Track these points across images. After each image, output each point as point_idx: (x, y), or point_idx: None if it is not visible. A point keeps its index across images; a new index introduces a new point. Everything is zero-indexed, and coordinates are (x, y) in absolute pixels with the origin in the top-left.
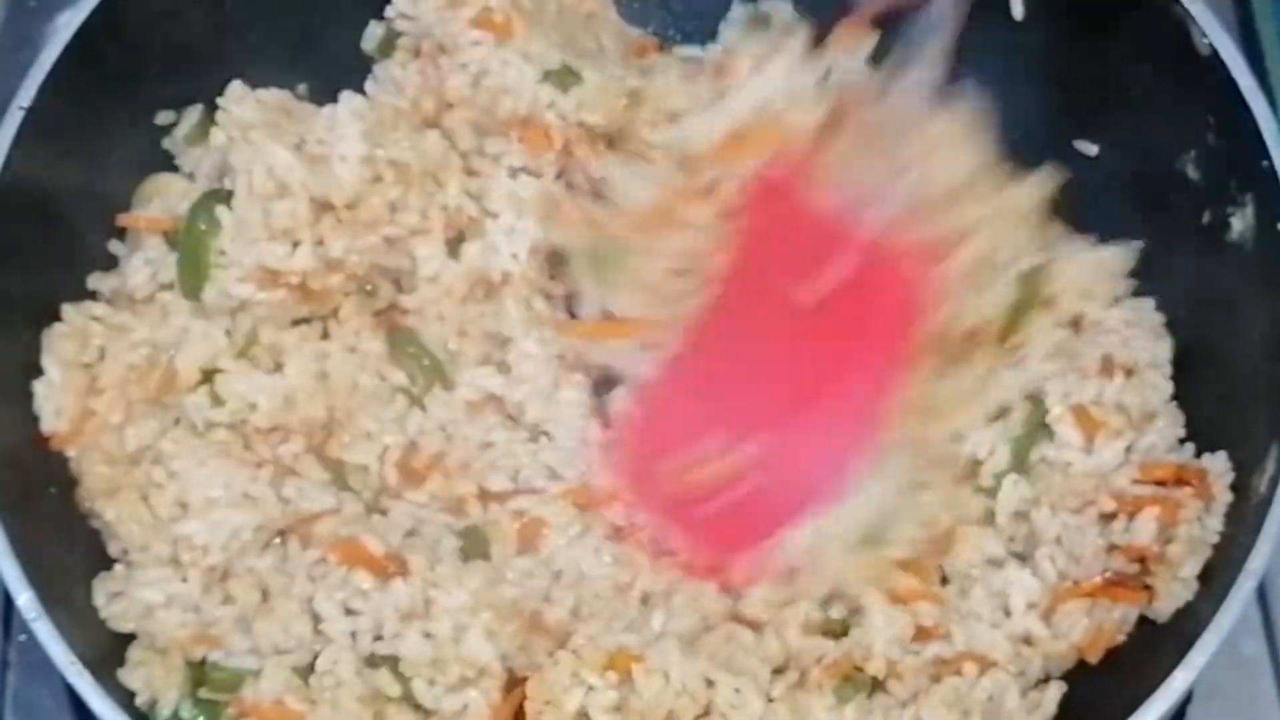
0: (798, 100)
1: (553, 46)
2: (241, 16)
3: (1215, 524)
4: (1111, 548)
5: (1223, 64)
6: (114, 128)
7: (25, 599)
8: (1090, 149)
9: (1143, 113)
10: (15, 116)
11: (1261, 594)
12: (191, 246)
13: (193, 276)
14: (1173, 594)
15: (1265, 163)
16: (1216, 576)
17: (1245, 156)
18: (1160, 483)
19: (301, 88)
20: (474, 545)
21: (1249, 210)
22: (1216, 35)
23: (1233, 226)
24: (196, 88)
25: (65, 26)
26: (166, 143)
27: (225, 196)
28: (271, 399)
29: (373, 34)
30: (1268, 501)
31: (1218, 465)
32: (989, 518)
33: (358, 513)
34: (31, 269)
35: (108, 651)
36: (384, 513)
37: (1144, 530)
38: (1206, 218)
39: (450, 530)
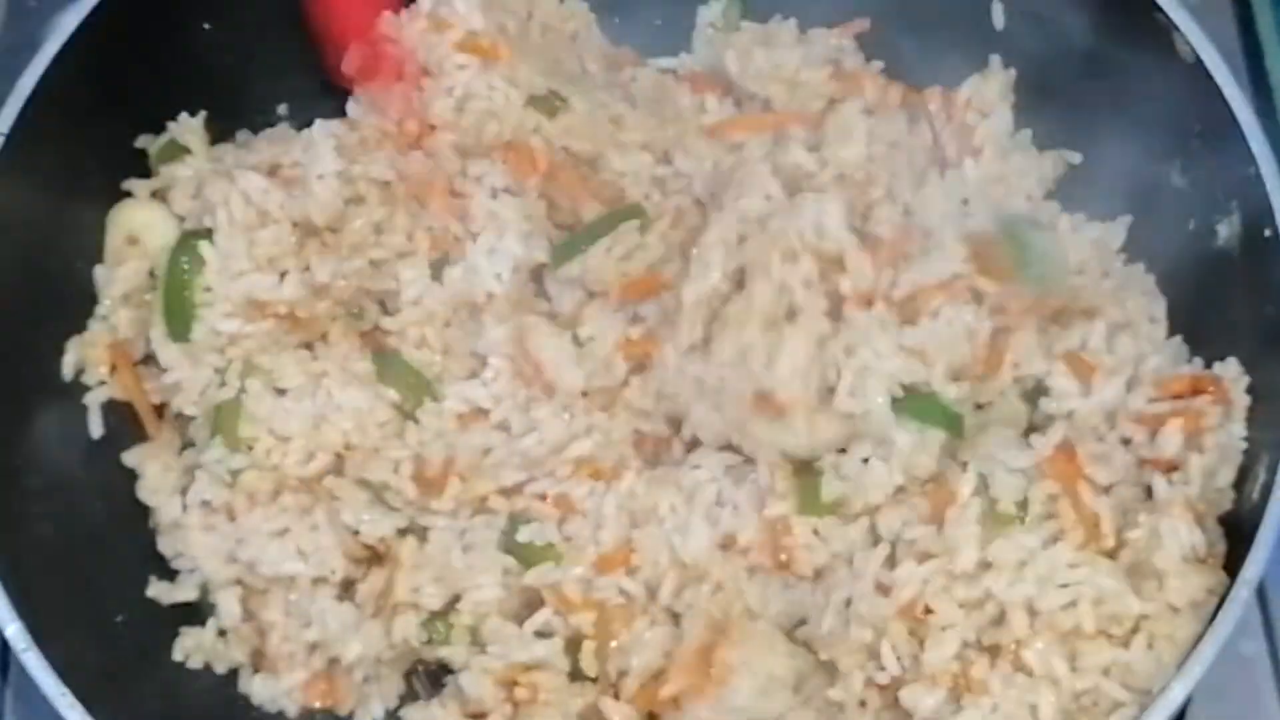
0: None
1: (538, 71)
2: (222, 38)
3: (1239, 429)
4: (1141, 462)
5: (1206, 71)
6: (93, 152)
7: (13, 630)
8: (1075, 157)
9: (1127, 121)
10: None
11: (1261, 594)
12: (175, 288)
13: (179, 319)
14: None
15: (1251, 169)
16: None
17: (1231, 163)
18: (1177, 396)
19: (282, 108)
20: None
21: (1235, 217)
22: (1200, 43)
23: (1219, 233)
24: (174, 109)
25: (62, 28)
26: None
27: (205, 234)
28: (302, 423)
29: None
30: (1261, 508)
31: (1230, 371)
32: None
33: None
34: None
35: (100, 682)
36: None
37: (1170, 443)
38: (1192, 225)
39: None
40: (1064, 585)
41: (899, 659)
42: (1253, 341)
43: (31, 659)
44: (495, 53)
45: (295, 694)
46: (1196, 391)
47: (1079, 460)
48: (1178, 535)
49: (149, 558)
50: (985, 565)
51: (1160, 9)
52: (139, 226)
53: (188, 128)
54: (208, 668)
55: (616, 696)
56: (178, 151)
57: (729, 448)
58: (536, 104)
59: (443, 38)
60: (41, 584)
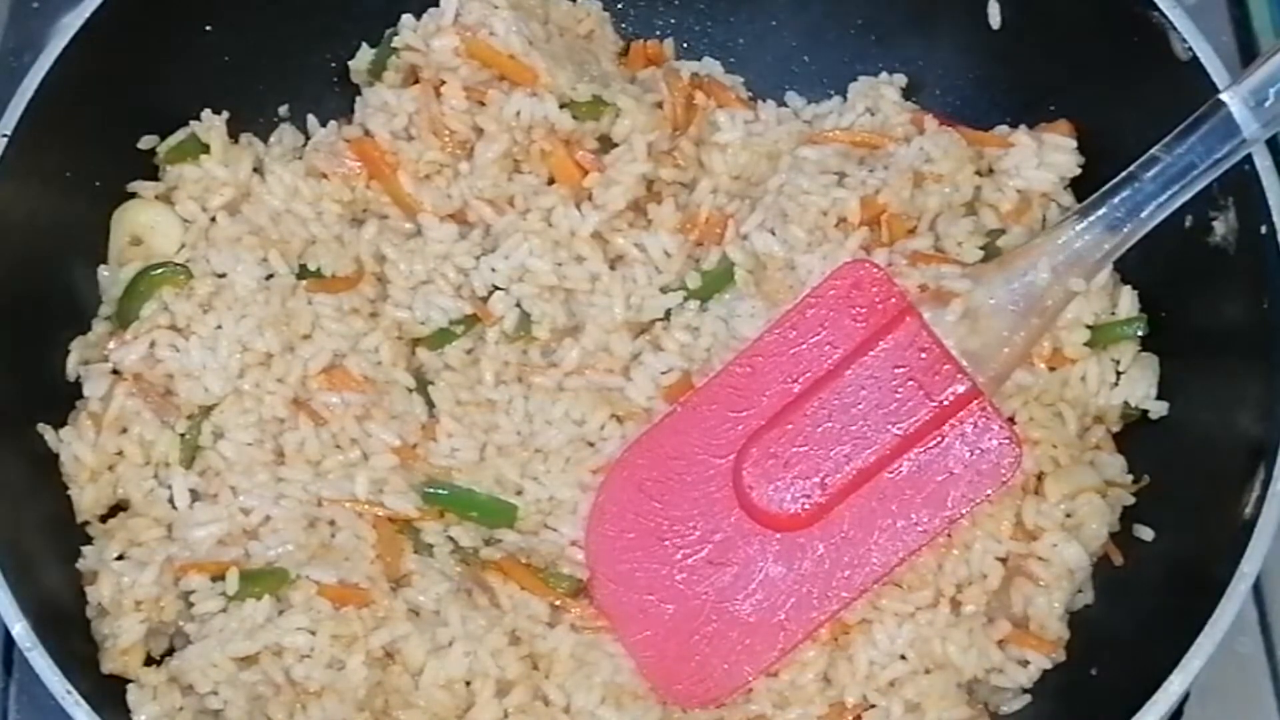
0: None
1: (576, 79)
2: (224, 39)
3: None
4: None
5: (1203, 69)
6: (97, 152)
7: (19, 629)
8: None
9: (1123, 119)
10: None
11: (1257, 592)
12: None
13: (129, 307)
14: None
15: (1247, 166)
16: (1210, 582)
17: None
18: None
19: (284, 109)
20: None
21: (1231, 214)
22: (1196, 41)
23: (1215, 230)
24: (176, 110)
25: (65, 29)
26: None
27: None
28: None
29: (363, 58)
30: (1259, 505)
31: None
32: None
33: None
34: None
35: (106, 682)
36: None
37: None
38: (1189, 222)
39: None
40: None
41: None
42: (1248, 338)
43: (37, 658)
44: (534, 77)
45: None
46: None
47: None
48: None
49: None
50: None
51: (1156, 8)
52: (143, 227)
53: (210, 125)
54: None
55: None
56: (188, 152)
57: None
58: (574, 108)
59: (479, 61)
60: (47, 583)
